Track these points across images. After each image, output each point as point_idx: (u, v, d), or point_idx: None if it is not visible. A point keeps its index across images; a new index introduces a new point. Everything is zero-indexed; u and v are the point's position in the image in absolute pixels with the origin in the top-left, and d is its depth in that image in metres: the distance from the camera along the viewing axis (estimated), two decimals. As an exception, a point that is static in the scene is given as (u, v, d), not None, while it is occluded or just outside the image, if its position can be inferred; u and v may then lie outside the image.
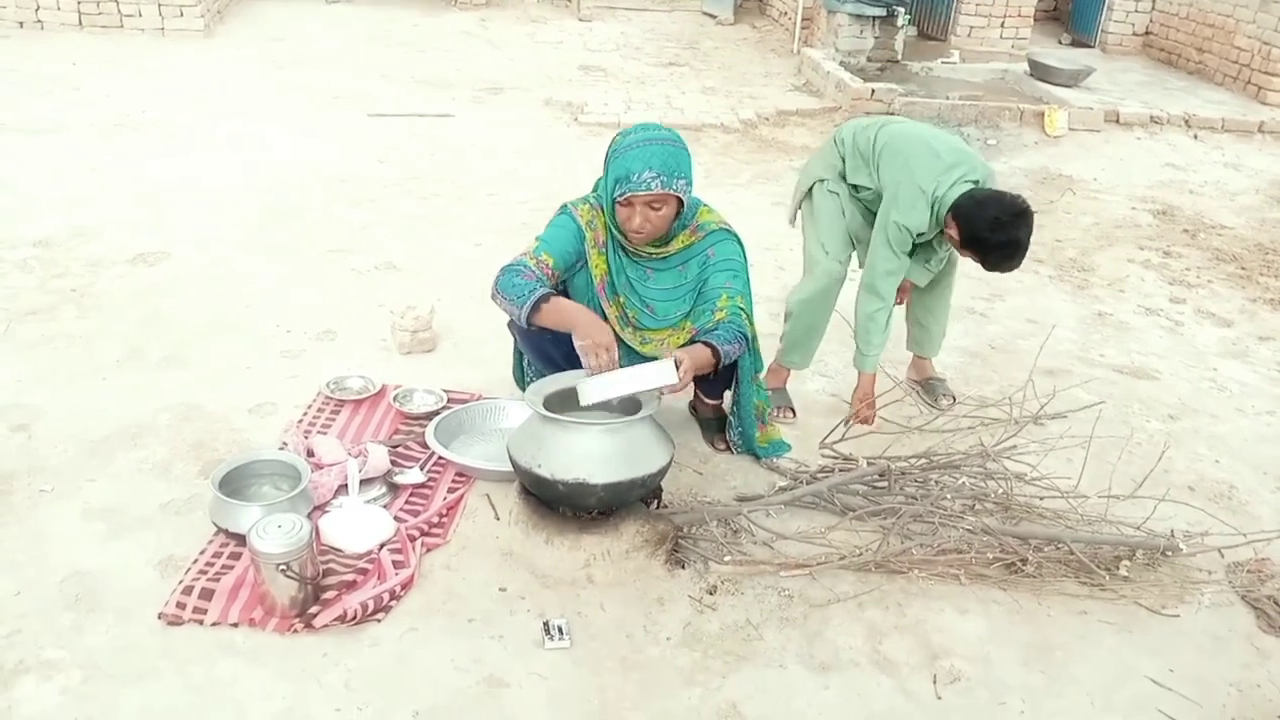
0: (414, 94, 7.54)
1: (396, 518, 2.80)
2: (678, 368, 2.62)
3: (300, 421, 3.24)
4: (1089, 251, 5.42)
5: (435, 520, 2.81)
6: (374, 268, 4.51)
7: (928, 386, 3.75)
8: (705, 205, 3.06)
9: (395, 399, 3.36)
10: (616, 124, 7.00)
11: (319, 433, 3.17)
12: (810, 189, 3.53)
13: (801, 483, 3.06)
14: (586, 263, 2.97)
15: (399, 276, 4.45)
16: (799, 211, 3.63)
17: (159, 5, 8.43)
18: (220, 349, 3.69)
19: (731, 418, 3.21)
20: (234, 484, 2.75)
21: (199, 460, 3.03)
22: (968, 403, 3.69)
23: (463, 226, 5.10)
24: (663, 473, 2.66)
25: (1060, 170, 6.79)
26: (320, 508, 2.81)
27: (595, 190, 3.03)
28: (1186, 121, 7.55)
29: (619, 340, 3.01)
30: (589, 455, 2.53)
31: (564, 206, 3.01)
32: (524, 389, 3.23)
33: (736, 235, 3.05)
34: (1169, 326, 4.60)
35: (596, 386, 2.61)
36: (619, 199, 2.80)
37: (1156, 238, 5.73)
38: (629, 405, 2.74)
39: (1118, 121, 7.46)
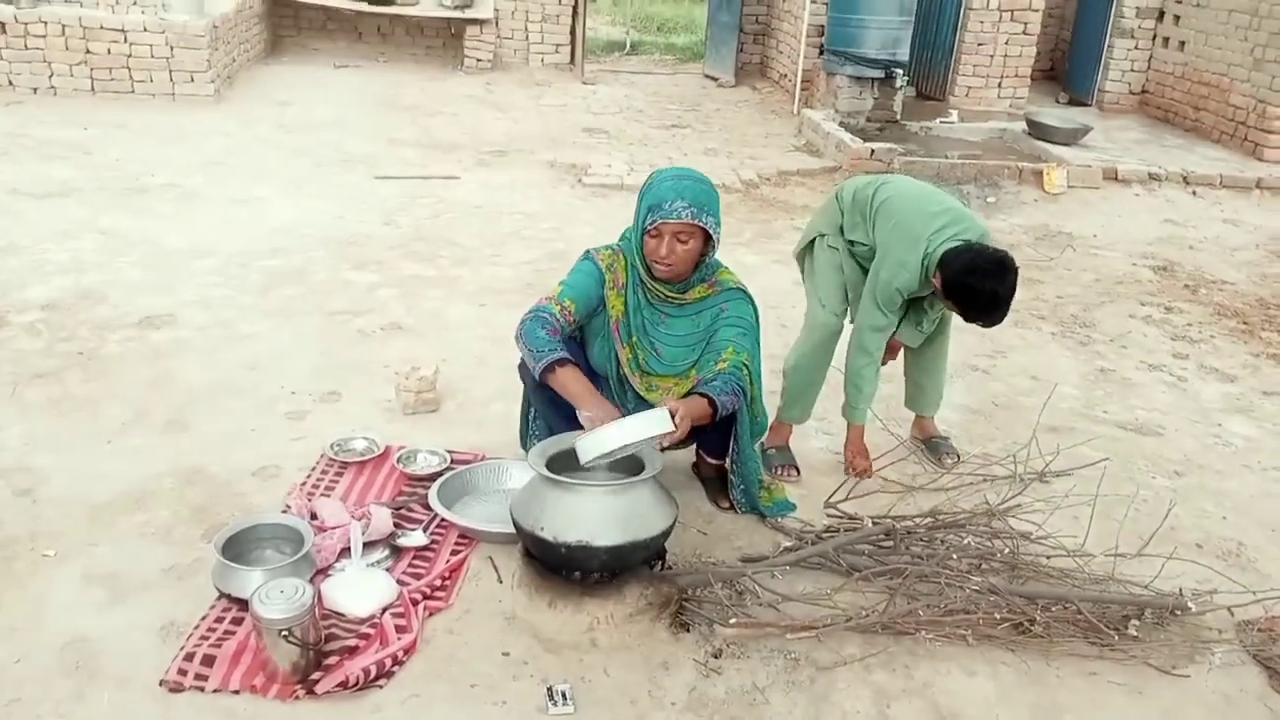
0: (420, 157, 7.64)
1: (399, 581, 2.78)
2: (673, 416, 2.64)
3: (303, 484, 3.24)
4: (1090, 308, 5.44)
5: (438, 583, 2.80)
6: (379, 329, 4.54)
7: (931, 445, 3.75)
8: (725, 267, 3.14)
9: (399, 460, 3.37)
10: (620, 185, 7.08)
11: (322, 495, 3.17)
12: (811, 242, 3.58)
13: (807, 543, 3.05)
14: (605, 305, 3.03)
15: (404, 337, 4.47)
16: (801, 265, 3.67)
17: (170, 71, 8.59)
18: (225, 411, 3.70)
19: (733, 477, 3.21)
20: (237, 548, 2.74)
21: (202, 524, 3.02)
22: (971, 461, 3.68)
23: (467, 287, 5.13)
24: (666, 534, 2.65)
25: (1060, 227, 6.84)
26: (323, 571, 2.80)
27: (622, 238, 3.10)
28: (1184, 178, 7.62)
29: (627, 384, 3.06)
30: (592, 517, 2.53)
31: (587, 252, 3.10)
32: (528, 448, 3.25)
33: (752, 299, 3.10)
34: (1172, 382, 4.60)
35: (593, 441, 2.60)
36: (649, 228, 2.87)
37: (1158, 293, 5.76)
38: (632, 466, 2.74)
39: (1116, 179, 7.53)
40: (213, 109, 8.55)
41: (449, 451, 3.44)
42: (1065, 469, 3.60)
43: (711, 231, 2.89)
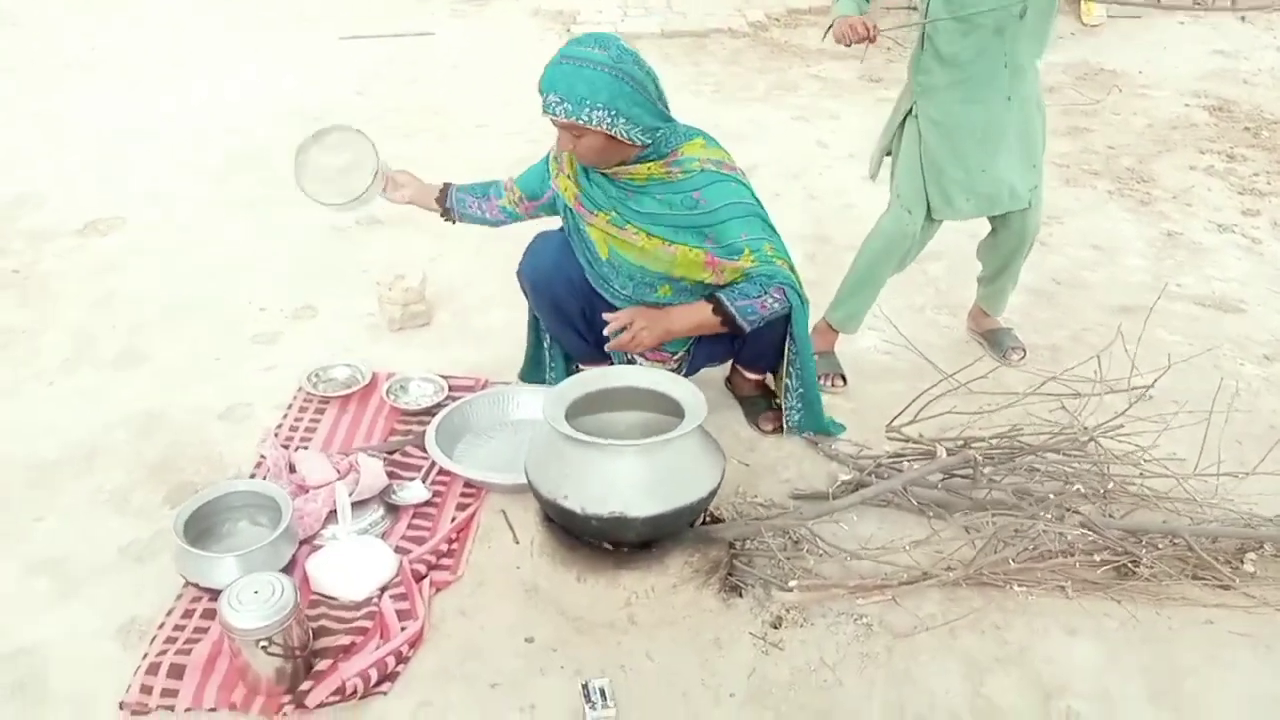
0: (387, 8, 6.90)
1: (397, 549, 2.37)
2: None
3: (279, 428, 2.79)
4: (1146, 159, 4.90)
5: (444, 549, 2.38)
6: (355, 222, 4.00)
7: (993, 338, 3.30)
8: (701, 138, 2.52)
9: (388, 392, 2.90)
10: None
11: (301, 443, 2.72)
12: (903, 121, 2.93)
13: (867, 474, 2.63)
14: (560, 193, 2.64)
15: (384, 232, 3.95)
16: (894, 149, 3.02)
17: (103, -78, 7.70)
18: (184, 337, 3.22)
19: (789, 382, 2.73)
20: (205, 520, 2.32)
21: (164, 484, 2.59)
22: (1040, 354, 3.23)
23: (452, 165, 4.51)
24: (713, 494, 2.21)
25: (1101, 64, 6.20)
26: (308, 541, 2.38)
27: None
28: (1232, 3, 6.95)
29: (621, 247, 2.56)
30: (625, 483, 2.08)
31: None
32: (528, 379, 2.85)
33: (733, 175, 2.51)
34: (1246, 245, 4.11)
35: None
36: None
37: (1217, 139, 5.20)
38: (662, 405, 2.29)
39: (1159, 6, 6.85)
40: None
41: (445, 377, 2.97)
42: (1144, 386, 3.07)
43: (607, 130, 2.32)
